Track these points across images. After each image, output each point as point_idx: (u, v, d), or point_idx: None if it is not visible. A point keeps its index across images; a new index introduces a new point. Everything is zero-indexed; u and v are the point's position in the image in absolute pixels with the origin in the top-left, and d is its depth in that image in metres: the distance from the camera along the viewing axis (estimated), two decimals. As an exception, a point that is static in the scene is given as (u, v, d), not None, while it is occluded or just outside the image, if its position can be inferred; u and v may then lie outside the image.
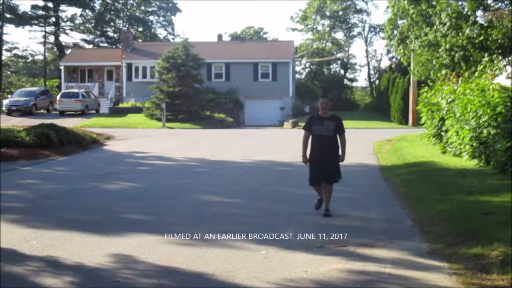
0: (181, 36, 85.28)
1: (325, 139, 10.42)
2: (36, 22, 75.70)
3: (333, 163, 10.54)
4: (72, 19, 78.44)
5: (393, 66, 64.08)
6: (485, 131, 15.59)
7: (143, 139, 30.07)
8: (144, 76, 55.04)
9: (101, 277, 6.94)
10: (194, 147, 25.84)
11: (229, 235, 8.74)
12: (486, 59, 24.03)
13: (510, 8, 24.42)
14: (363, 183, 14.99)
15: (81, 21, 79.29)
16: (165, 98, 44.48)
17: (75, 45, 76.80)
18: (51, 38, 78.63)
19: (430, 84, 25.17)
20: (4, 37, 77.42)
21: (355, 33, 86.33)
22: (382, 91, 58.39)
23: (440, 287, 6.43)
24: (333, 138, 10.49)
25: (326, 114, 10.58)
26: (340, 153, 10.66)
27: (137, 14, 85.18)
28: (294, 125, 44.57)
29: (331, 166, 10.52)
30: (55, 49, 79.31)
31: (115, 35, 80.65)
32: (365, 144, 26.35)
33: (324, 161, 10.49)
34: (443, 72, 27.30)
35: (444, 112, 20.54)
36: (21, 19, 73.34)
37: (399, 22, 33.19)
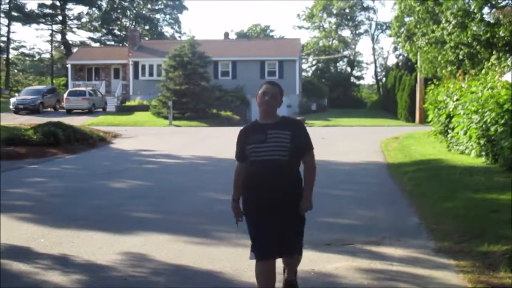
0: (188, 34, 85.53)
1: (273, 167, 5.45)
2: (43, 20, 75.98)
3: (292, 212, 5.58)
4: (79, 17, 78.70)
5: (400, 63, 64.00)
6: (492, 128, 15.54)
7: (150, 137, 30.10)
8: (151, 74, 55.08)
9: (108, 275, 6.96)
10: (201, 145, 25.85)
11: (236, 233, 8.72)
12: (494, 56, 23.97)
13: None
14: (370, 180, 14.96)
15: (88, 20, 79.44)
16: (171, 96, 44.52)
17: (82, 44, 77.00)
18: (58, 37, 78.97)
19: (437, 82, 25.10)
20: (11, 36, 77.88)
21: (361, 30, 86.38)
22: (389, 88, 58.32)
23: (447, 285, 6.42)
24: (290, 164, 5.52)
25: (272, 118, 5.59)
26: (305, 191, 5.71)
27: (143, 12, 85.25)
28: (301, 123, 44.51)
29: (291, 218, 5.57)
30: (62, 48, 79.51)
31: (122, 33, 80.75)
32: (372, 141, 26.31)
33: (275, 210, 5.49)
34: (449, 69, 27.26)
35: (451, 110, 20.49)
36: (28, 18, 73.61)
37: (406, 19, 33.16)
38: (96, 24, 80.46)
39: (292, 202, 5.55)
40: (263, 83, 5.66)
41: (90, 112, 47.74)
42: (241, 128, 5.86)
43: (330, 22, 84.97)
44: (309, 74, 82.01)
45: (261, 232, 5.49)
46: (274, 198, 5.46)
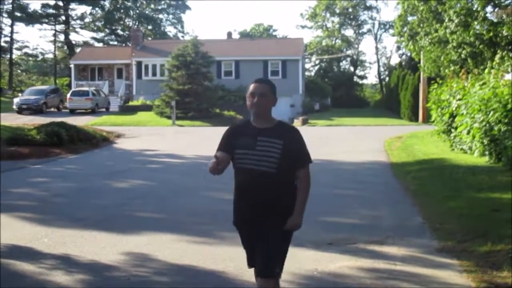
0: (191, 34, 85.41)
1: (259, 179, 4.85)
2: (46, 20, 76.05)
3: (277, 225, 4.90)
4: (82, 17, 78.71)
5: (403, 63, 63.92)
6: (495, 127, 15.53)
7: (153, 137, 30.12)
8: (154, 74, 55.09)
9: (112, 275, 6.97)
10: (204, 145, 25.84)
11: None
12: (498, 55, 23.95)
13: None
14: (373, 180, 14.96)
15: (91, 20, 79.51)
16: (174, 96, 44.51)
17: (85, 44, 77.01)
18: (61, 37, 79.08)
19: (440, 81, 25.08)
20: (15, 36, 77.99)
21: (364, 30, 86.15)
22: (392, 88, 58.25)
23: (450, 284, 6.42)
24: (277, 177, 4.84)
25: (266, 122, 4.98)
26: (298, 203, 4.97)
27: (146, 12, 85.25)
28: (304, 122, 44.52)
29: (271, 235, 4.90)
30: (65, 48, 79.57)
31: (125, 33, 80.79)
32: (375, 141, 26.30)
33: (256, 224, 4.96)
34: (452, 68, 27.25)
35: (454, 109, 20.47)
36: (31, 18, 73.70)
37: (409, 18, 33.12)
38: (99, 24, 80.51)
39: (277, 218, 4.87)
40: (251, 82, 5.02)
41: (93, 112, 47.74)
42: (231, 125, 5.31)
43: (333, 22, 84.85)
44: (312, 73, 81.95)
45: (245, 247, 5.16)
46: (256, 211, 4.91)
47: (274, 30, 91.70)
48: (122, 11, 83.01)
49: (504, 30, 23.44)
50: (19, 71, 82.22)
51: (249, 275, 6.74)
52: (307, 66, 78.86)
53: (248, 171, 4.87)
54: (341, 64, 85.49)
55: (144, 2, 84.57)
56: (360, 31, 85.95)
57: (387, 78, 76.91)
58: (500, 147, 15.59)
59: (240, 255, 7.60)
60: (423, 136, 27.21)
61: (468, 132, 17.90)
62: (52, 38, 78.50)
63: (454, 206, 10.45)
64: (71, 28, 77.90)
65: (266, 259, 4.88)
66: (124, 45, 73.77)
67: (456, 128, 19.69)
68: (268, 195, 4.85)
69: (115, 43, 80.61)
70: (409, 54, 44.40)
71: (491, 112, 15.70)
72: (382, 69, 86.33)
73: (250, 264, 5.17)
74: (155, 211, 10.99)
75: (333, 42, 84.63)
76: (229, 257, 7.53)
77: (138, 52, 57.17)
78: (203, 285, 6.67)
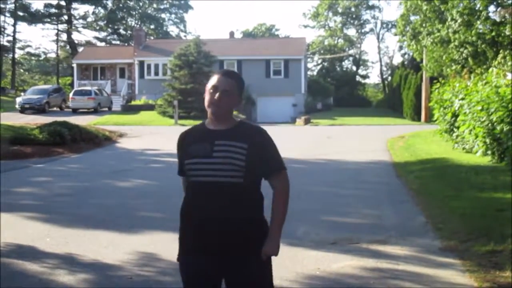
0: (193, 33, 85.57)
1: (220, 193, 3.76)
2: (48, 20, 76.20)
3: (248, 261, 3.78)
4: (84, 17, 78.87)
5: (406, 62, 63.85)
6: (498, 127, 15.52)
7: (156, 136, 30.12)
8: (156, 73, 55.10)
9: (115, 274, 6.97)
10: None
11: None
12: (501, 55, 23.94)
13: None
14: (375, 179, 14.96)
15: (93, 19, 79.60)
16: (177, 95, 44.52)
17: (88, 43, 77.13)
18: (64, 36, 79.19)
19: (442, 81, 25.09)
20: (17, 35, 78.13)
21: (367, 29, 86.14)
22: (395, 87, 58.21)
23: (453, 284, 6.41)
24: (245, 190, 3.79)
25: (224, 124, 3.95)
26: (272, 228, 3.88)
27: (149, 11, 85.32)
28: (306, 122, 44.51)
29: (246, 268, 3.79)
30: (68, 47, 79.72)
31: (127, 33, 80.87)
32: (378, 140, 26.30)
33: (221, 256, 3.75)
34: (453, 68, 27.25)
35: (456, 108, 20.48)
36: (34, 17, 73.86)
37: (412, 18, 33.09)
38: (101, 23, 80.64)
39: (249, 246, 3.72)
40: (214, 73, 4.02)
41: (95, 111, 47.77)
42: (181, 132, 4.14)
43: (335, 21, 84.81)
44: (315, 73, 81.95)
45: (192, 281, 3.85)
46: (219, 239, 3.69)
47: (277, 30, 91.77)
48: (124, 10, 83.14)
49: (507, 29, 23.41)
50: (21, 70, 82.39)
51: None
52: (309, 65, 78.89)
53: (204, 186, 3.76)
54: (343, 63, 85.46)
55: (147, 2, 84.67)
56: (363, 31, 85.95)
57: (389, 78, 76.86)
58: (502, 147, 15.59)
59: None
60: (426, 136, 27.21)
61: (471, 132, 17.89)
62: (55, 38, 78.70)
63: (457, 205, 10.44)
64: (73, 27, 78.03)
65: None
66: (126, 44, 73.81)
67: (458, 127, 19.69)
68: (233, 214, 3.69)
69: (118, 42, 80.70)
70: (411, 53, 44.34)
71: (493, 112, 15.70)
72: (384, 68, 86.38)
73: None
74: (157, 211, 10.99)
75: (336, 41, 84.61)
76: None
77: (141, 51, 57.17)
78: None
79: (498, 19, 24.75)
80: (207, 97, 3.95)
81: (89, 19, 79.23)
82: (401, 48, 75.91)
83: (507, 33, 23.53)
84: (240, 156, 3.73)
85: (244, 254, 3.75)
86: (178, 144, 4.04)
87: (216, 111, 3.91)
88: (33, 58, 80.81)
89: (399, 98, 53.74)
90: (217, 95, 3.88)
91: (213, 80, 3.94)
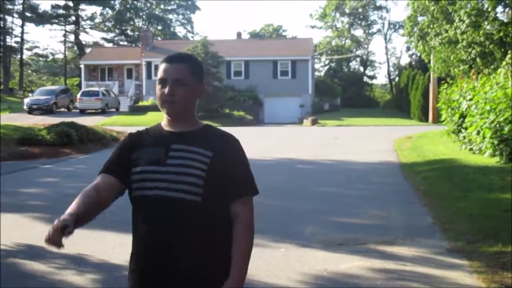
0: (200, 34, 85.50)
1: (171, 213, 2.80)
2: (56, 21, 76.36)
3: None
4: (92, 17, 79.07)
5: (413, 63, 63.84)
6: (506, 128, 15.48)
7: (163, 137, 30.10)
8: (164, 74, 55.11)
9: (122, 274, 6.98)
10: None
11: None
12: (509, 55, 23.91)
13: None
14: (383, 180, 14.94)
15: (101, 20, 79.79)
16: (184, 96, 44.61)
17: (95, 44, 77.28)
18: (71, 37, 79.33)
19: (450, 82, 25.07)
20: (25, 36, 78.36)
21: (374, 30, 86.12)
22: (402, 88, 58.17)
23: (460, 285, 6.40)
24: (204, 210, 2.78)
25: (184, 124, 3.00)
26: (235, 259, 2.80)
27: (156, 12, 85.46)
28: (314, 122, 44.50)
29: None
30: (75, 48, 79.91)
31: (135, 34, 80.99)
32: (385, 141, 26.28)
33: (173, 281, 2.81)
34: (461, 68, 27.23)
35: (464, 109, 20.44)
36: (42, 18, 74.03)
37: (419, 18, 33.07)
38: (109, 24, 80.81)
39: (206, 284, 2.80)
40: (161, 61, 3.02)
41: (103, 112, 47.88)
42: (132, 131, 3.24)
43: (342, 22, 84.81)
44: (322, 73, 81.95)
45: None
46: (169, 275, 2.83)
47: (284, 31, 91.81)
48: (132, 11, 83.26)
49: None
50: (29, 71, 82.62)
51: (259, 276, 6.76)
52: (316, 66, 78.90)
53: (152, 202, 2.86)
54: (350, 64, 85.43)
55: (154, 3, 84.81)
56: (370, 31, 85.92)
57: (397, 78, 76.83)
58: (510, 148, 15.55)
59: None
60: (433, 137, 27.17)
61: (478, 133, 17.86)
62: (62, 39, 78.87)
63: (464, 206, 10.42)
64: (81, 28, 78.21)
65: None
66: (134, 45, 73.93)
67: (466, 128, 19.66)
68: (187, 240, 2.80)
69: (125, 43, 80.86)
70: (419, 54, 44.32)
71: (501, 112, 15.66)
72: (392, 69, 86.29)
73: None
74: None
75: (343, 42, 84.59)
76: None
77: (148, 52, 57.25)
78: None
79: (506, 20, 24.71)
80: (157, 93, 2.97)
81: (96, 20, 79.47)
82: (408, 48, 75.80)
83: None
84: (201, 165, 2.81)
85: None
86: (125, 143, 3.10)
87: (170, 109, 2.96)
88: (41, 59, 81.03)
89: (406, 98, 53.71)
90: (167, 88, 2.90)
91: (159, 70, 2.96)
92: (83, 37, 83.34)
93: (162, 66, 2.94)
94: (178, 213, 2.78)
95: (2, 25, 70.85)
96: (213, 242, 2.81)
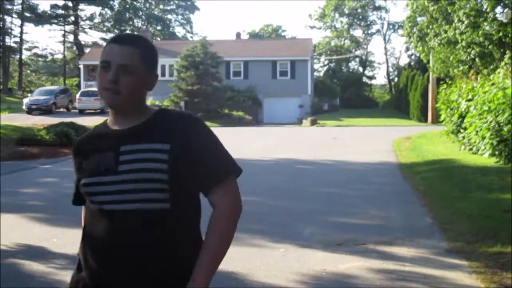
0: (200, 34, 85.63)
1: (130, 229, 2.33)
2: (55, 21, 76.38)
3: None
4: (91, 18, 79.10)
5: (412, 63, 63.86)
6: (505, 128, 15.48)
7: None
8: (163, 74, 55.12)
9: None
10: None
11: (247, 233, 8.72)
12: (508, 55, 23.93)
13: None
14: (382, 180, 14.93)
15: (100, 20, 79.81)
16: (183, 96, 44.67)
17: (94, 44, 77.24)
18: (71, 37, 79.38)
19: (449, 82, 25.09)
20: (24, 36, 78.29)
21: (373, 30, 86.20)
22: (401, 88, 58.22)
23: (460, 285, 6.40)
24: (173, 217, 2.40)
25: (131, 118, 2.48)
26: (201, 257, 2.51)
27: (155, 12, 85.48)
28: (313, 122, 44.51)
29: None
30: (75, 48, 79.93)
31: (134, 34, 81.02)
32: (384, 141, 26.28)
33: None
34: (460, 68, 27.25)
35: (463, 109, 20.45)
36: (41, 18, 74.01)
37: (419, 19, 33.10)
38: (108, 24, 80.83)
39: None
40: (108, 40, 2.58)
41: (102, 112, 47.79)
42: (77, 139, 2.79)
43: (342, 22, 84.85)
44: (321, 74, 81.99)
45: None
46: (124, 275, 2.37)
47: (283, 31, 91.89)
48: (131, 11, 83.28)
49: (514, 30, 23.43)
50: (28, 71, 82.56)
51: (259, 276, 6.76)
52: (316, 66, 78.90)
53: (105, 217, 2.40)
54: (350, 64, 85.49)
55: (153, 3, 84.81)
56: (369, 32, 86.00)
57: (396, 79, 76.86)
58: (509, 148, 15.55)
59: (248, 255, 7.62)
60: (432, 137, 27.18)
61: (477, 133, 17.86)
62: (62, 39, 78.91)
63: (464, 206, 10.42)
64: (80, 28, 78.24)
65: None
66: (133, 45, 73.81)
67: (465, 128, 19.66)
68: (156, 271, 2.38)
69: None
70: (418, 54, 44.35)
71: (500, 113, 15.66)
72: (391, 69, 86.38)
73: None
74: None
75: (342, 42, 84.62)
76: (238, 257, 7.52)
77: (147, 52, 57.16)
78: (210, 285, 6.66)
79: (505, 20, 24.74)
80: (98, 83, 2.48)
81: (95, 20, 79.51)
82: (407, 49, 75.85)
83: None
84: (160, 166, 2.33)
85: None
86: (74, 157, 2.69)
87: (112, 100, 2.44)
88: (40, 59, 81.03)
89: (405, 99, 53.74)
90: (110, 74, 2.41)
91: (103, 51, 2.49)
92: (82, 37, 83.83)
93: (107, 46, 2.47)
94: (141, 230, 2.33)
95: (1, 25, 70.86)
96: (195, 254, 2.45)
